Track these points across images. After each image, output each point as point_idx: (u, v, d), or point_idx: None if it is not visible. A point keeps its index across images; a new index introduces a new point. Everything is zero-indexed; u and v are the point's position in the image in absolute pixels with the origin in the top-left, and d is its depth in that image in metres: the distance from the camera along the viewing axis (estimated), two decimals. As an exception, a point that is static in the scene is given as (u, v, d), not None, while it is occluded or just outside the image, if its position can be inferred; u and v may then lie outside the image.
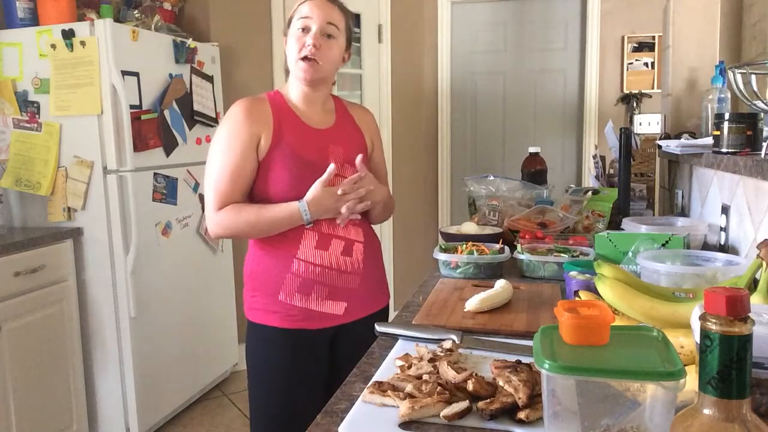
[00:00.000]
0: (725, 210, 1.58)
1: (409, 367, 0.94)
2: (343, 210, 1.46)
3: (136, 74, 2.70)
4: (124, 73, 2.61)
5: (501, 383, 0.82)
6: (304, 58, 1.46)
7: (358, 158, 1.48)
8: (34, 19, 2.68)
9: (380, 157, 1.72)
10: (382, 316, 1.63)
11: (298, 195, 1.45)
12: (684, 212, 2.12)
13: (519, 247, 1.63)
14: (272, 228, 1.47)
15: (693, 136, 2.16)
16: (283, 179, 1.46)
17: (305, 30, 1.47)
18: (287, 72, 1.57)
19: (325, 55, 1.48)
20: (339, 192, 1.45)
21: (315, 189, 1.44)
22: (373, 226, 1.66)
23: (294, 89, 1.55)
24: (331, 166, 1.45)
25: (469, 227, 1.89)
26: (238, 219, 1.45)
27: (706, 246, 1.63)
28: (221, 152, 1.46)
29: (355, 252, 1.54)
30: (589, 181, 2.90)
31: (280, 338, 1.50)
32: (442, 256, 1.59)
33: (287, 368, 1.51)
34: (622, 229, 1.68)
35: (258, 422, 1.57)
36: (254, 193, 1.51)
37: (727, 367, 0.48)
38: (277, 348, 1.51)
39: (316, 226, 1.49)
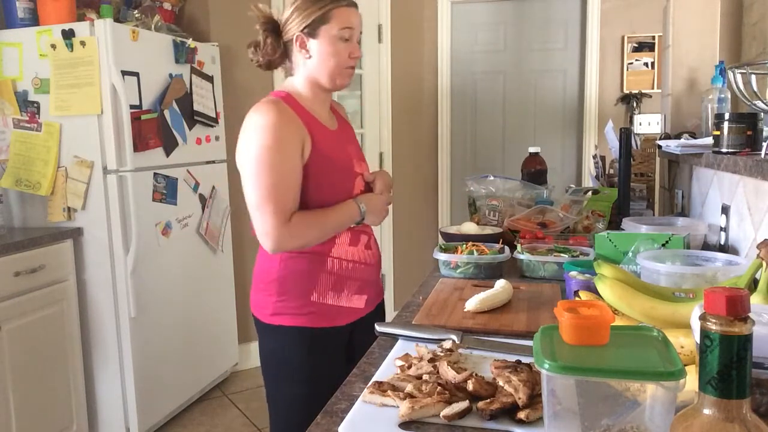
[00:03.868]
0: (725, 210, 1.58)
1: (409, 367, 0.94)
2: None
3: (136, 74, 2.70)
4: (124, 73, 2.61)
5: (501, 383, 0.82)
6: (351, 67, 1.50)
7: (368, 176, 1.59)
8: (34, 19, 2.68)
9: None
10: (381, 308, 1.70)
11: (333, 200, 1.48)
12: (684, 212, 2.12)
13: (519, 247, 1.63)
14: (335, 230, 1.49)
15: (693, 136, 2.16)
16: (322, 183, 1.46)
17: (349, 39, 1.48)
18: (289, 72, 1.56)
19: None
20: (387, 198, 1.57)
21: (367, 195, 1.54)
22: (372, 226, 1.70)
23: (308, 91, 1.51)
24: (368, 173, 1.57)
25: (469, 227, 1.89)
26: (310, 227, 1.43)
27: (706, 246, 1.63)
28: (275, 163, 1.38)
29: (372, 245, 1.62)
30: (589, 181, 2.90)
31: (309, 338, 1.49)
32: (442, 256, 1.59)
33: (313, 367, 1.50)
34: (622, 229, 1.68)
35: (280, 418, 1.56)
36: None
37: (727, 367, 0.48)
38: (305, 348, 1.50)
39: None
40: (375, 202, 1.54)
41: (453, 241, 1.75)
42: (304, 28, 1.46)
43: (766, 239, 0.92)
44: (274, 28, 1.51)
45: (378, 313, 1.64)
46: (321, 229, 1.45)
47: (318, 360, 1.50)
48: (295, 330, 1.49)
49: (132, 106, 2.65)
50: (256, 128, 1.39)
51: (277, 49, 1.51)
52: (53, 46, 2.57)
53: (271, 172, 1.38)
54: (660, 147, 2.22)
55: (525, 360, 0.89)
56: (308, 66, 1.49)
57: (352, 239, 1.54)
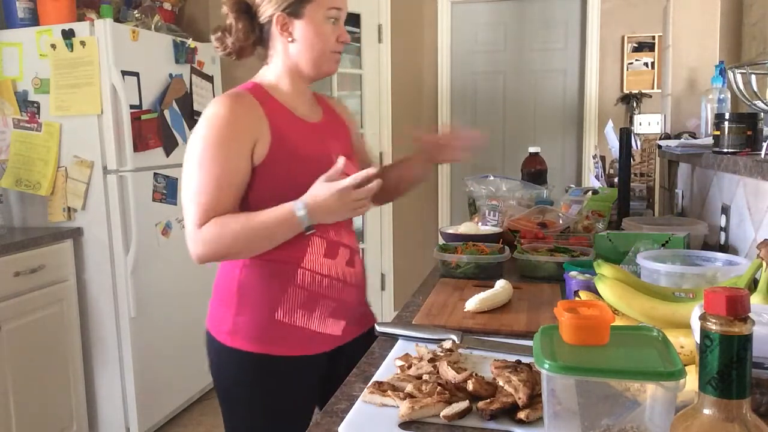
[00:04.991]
0: (725, 210, 1.58)
1: (409, 367, 0.94)
2: (360, 205, 1.23)
3: (136, 74, 2.70)
4: (124, 73, 2.61)
5: (501, 383, 0.82)
6: (338, 52, 1.34)
7: (340, 161, 1.23)
8: (34, 19, 2.68)
9: (363, 144, 1.60)
10: (370, 338, 1.25)
11: None
12: (684, 212, 2.12)
13: (519, 247, 1.63)
14: (266, 238, 1.23)
15: (693, 136, 2.16)
16: (286, 184, 1.25)
17: (336, 21, 1.32)
18: (264, 58, 1.37)
19: None
20: (340, 186, 1.19)
21: (314, 187, 1.21)
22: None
23: (285, 81, 1.34)
24: (341, 160, 1.21)
25: (469, 227, 1.89)
26: (224, 231, 1.20)
27: (706, 246, 1.62)
28: (205, 160, 1.21)
29: (356, 262, 1.40)
30: (589, 181, 2.90)
31: (269, 367, 1.29)
32: (442, 256, 1.59)
33: (275, 401, 1.32)
34: (622, 229, 1.68)
35: None
36: (249, 207, 1.26)
37: (727, 367, 0.48)
38: (266, 379, 1.31)
39: (323, 232, 1.30)
40: (321, 196, 1.20)
41: (453, 241, 1.75)
42: (286, 7, 1.28)
43: (766, 239, 0.92)
44: (246, 8, 1.31)
45: (364, 344, 1.23)
46: (241, 236, 1.20)
47: (281, 394, 1.31)
48: (254, 357, 1.29)
49: (132, 106, 2.65)
50: (203, 120, 1.24)
51: (249, 33, 1.32)
52: (53, 46, 2.57)
53: (202, 170, 1.21)
54: (660, 147, 2.22)
55: (525, 360, 0.89)
56: (290, 51, 1.31)
57: (328, 250, 1.32)
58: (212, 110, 1.23)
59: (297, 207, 1.20)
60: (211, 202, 1.21)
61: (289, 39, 1.30)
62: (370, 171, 1.23)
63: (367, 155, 1.58)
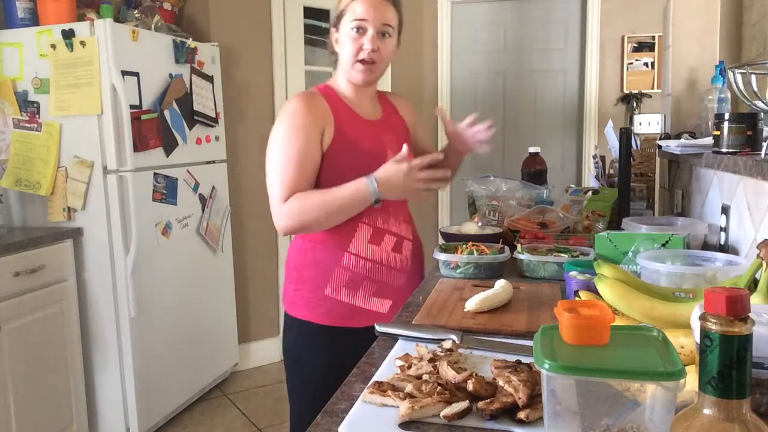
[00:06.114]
0: (725, 210, 1.58)
1: (409, 367, 0.94)
2: (421, 185, 1.41)
3: (136, 74, 2.70)
4: (124, 73, 2.61)
5: (501, 383, 0.82)
6: (362, 61, 1.48)
7: (405, 148, 1.43)
8: (34, 19, 2.68)
9: (426, 137, 1.77)
10: None
11: None
12: (684, 212, 2.12)
13: (519, 247, 1.63)
14: (342, 208, 1.43)
15: (693, 136, 2.15)
16: (346, 171, 1.44)
17: (360, 30, 1.46)
18: (334, 63, 1.58)
19: (382, 56, 1.50)
20: (408, 166, 1.39)
21: (385, 165, 1.41)
22: None
23: (344, 84, 1.56)
24: (405, 148, 1.42)
25: (469, 227, 1.89)
26: (306, 204, 1.41)
27: (706, 246, 1.62)
28: (285, 144, 1.43)
29: (405, 249, 1.57)
30: (589, 181, 2.90)
31: (323, 335, 1.49)
32: (442, 256, 1.59)
33: (328, 365, 1.49)
34: (622, 229, 1.68)
35: (299, 414, 1.56)
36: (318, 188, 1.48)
37: (727, 367, 0.48)
38: (319, 345, 1.50)
39: (371, 219, 1.49)
40: (394, 176, 1.40)
41: (453, 241, 1.75)
42: (334, 21, 1.52)
43: (766, 239, 0.92)
44: (334, 24, 1.56)
45: None
46: (321, 207, 1.41)
47: (326, 357, 1.49)
48: (308, 325, 1.49)
49: (132, 106, 2.65)
50: (282, 113, 1.48)
51: (333, 44, 1.57)
52: (53, 46, 2.57)
53: (278, 154, 1.44)
54: (660, 147, 2.22)
55: (525, 360, 0.89)
56: (340, 60, 1.53)
57: (373, 236, 1.51)
58: (289, 105, 1.48)
59: (370, 180, 1.41)
60: (292, 180, 1.41)
61: (338, 50, 1.53)
62: (437, 156, 1.46)
63: (430, 150, 1.72)
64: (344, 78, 1.55)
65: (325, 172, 1.47)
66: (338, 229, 1.48)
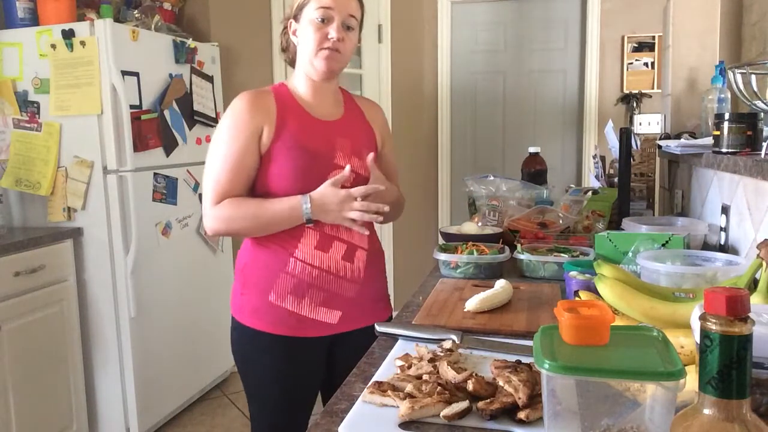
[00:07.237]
0: (725, 210, 1.58)
1: (409, 367, 0.94)
2: (354, 215, 1.37)
3: (136, 74, 2.70)
4: (124, 73, 2.61)
5: (501, 383, 0.82)
6: (328, 49, 1.42)
7: (370, 157, 1.43)
8: (34, 19, 2.68)
9: (391, 154, 1.64)
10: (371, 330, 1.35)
11: (303, 190, 1.39)
12: (684, 212, 2.12)
13: (519, 247, 1.63)
14: (272, 223, 1.39)
15: (693, 136, 2.16)
16: (286, 172, 1.39)
17: (326, 21, 1.41)
18: (291, 62, 1.53)
19: (346, 47, 1.45)
20: (345, 193, 1.36)
21: (322, 186, 1.37)
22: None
23: (302, 81, 1.48)
24: (347, 169, 1.37)
25: (469, 227, 1.89)
26: (237, 212, 1.38)
27: (706, 246, 1.62)
28: (222, 144, 1.40)
29: (357, 258, 1.47)
30: (589, 181, 2.90)
31: (269, 343, 1.43)
32: (442, 256, 1.59)
33: (278, 373, 1.45)
34: (622, 229, 1.68)
35: (258, 420, 1.54)
36: (256, 189, 1.44)
37: (727, 367, 0.48)
38: (267, 353, 1.44)
39: (318, 225, 1.41)
40: (329, 200, 1.36)
41: (453, 241, 1.75)
42: (294, 12, 1.46)
43: (766, 239, 0.92)
44: (293, 15, 1.50)
45: (366, 336, 1.24)
46: (250, 216, 1.38)
47: (275, 365, 1.44)
48: (253, 331, 1.44)
49: (132, 106, 2.65)
50: (225, 111, 1.45)
51: (289, 43, 1.52)
52: (53, 46, 2.57)
53: (214, 154, 1.42)
54: (660, 147, 2.22)
55: (525, 360, 0.89)
56: (298, 53, 1.47)
57: (320, 243, 1.43)
58: (233, 103, 1.44)
59: (304, 200, 1.37)
60: (225, 182, 1.39)
61: (296, 42, 1.48)
62: (377, 187, 1.39)
63: (390, 167, 1.63)
64: (302, 73, 1.47)
65: (266, 171, 1.41)
66: (284, 232, 1.42)
